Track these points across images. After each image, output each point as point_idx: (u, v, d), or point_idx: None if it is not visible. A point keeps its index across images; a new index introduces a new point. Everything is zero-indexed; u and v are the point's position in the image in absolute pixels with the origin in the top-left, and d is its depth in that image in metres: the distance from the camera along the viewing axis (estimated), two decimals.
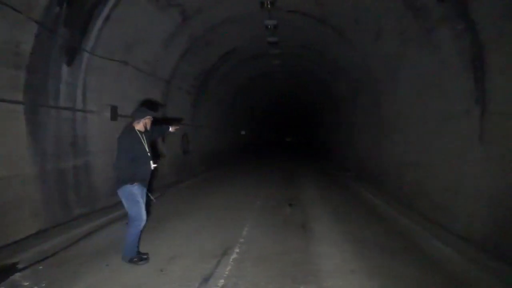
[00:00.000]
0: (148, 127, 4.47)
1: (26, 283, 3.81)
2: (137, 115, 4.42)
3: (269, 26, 10.62)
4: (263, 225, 6.15)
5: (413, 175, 7.84)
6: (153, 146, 4.67)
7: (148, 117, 4.42)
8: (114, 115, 7.57)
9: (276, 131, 45.93)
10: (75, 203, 6.32)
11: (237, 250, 4.82)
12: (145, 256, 4.46)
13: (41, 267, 4.24)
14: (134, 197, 4.22)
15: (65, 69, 6.08)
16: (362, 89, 12.15)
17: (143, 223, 4.33)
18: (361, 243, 5.17)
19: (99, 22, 6.50)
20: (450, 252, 4.81)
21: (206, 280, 3.87)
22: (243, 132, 25.11)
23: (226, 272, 4.06)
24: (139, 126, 4.38)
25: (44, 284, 3.80)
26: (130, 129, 4.39)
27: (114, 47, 7.38)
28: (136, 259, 4.34)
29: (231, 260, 4.45)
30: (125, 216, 6.64)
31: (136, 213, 4.26)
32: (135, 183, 4.20)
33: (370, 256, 4.65)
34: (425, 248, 5.07)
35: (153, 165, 4.42)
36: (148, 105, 5.07)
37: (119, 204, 7.26)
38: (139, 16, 7.57)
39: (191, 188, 10.47)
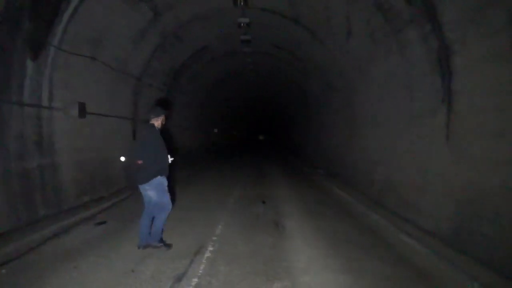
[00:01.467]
0: (164, 123, 4.88)
1: None
2: (155, 113, 4.77)
3: (242, 24, 10.59)
4: (237, 223, 6.13)
5: (383, 172, 8.03)
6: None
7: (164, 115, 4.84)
8: (82, 112, 7.33)
9: (249, 129, 46.03)
10: (41, 203, 6.06)
11: (210, 248, 4.77)
12: (169, 243, 4.85)
13: (4, 271, 4.04)
14: (164, 186, 4.70)
15: (29, 64, 5.82)
16: (333, 88, 12.34)
17: (170, 209, 4.85)
18: (333, 239, 5.26)
19: (66, 16, 6.25)
20: (419, 247, 4.96)
21: (179, 279, 3.80)
22: (215, 130, 24.98)
23: (200, 271, 4.01)
24: (157, 123, 4.76)
25: None
26: (151, 126, 4.72)
27: (82, 42, 7.15)
28: (161, 244, 4.76)
29: (204, 259, 4.40)
30: (94, 216, 6.51)
31: (167, 200, 4.76)
32: (164, 175, 4.69)
33: (342, 252, 4.72)
34: (395, 244, 5.21)
35: (170, 159, 4.81)
36: (163, 104, 5.41)
37: (88, 204, 7.15)
38: (109, 10, 7.36)
39: None
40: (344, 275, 3.99)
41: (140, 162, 4.53)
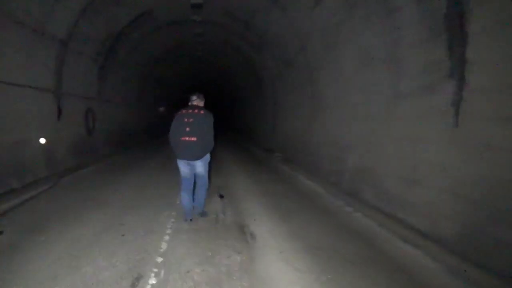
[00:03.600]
0: None
1: None
2: (200, 96, 5.24)
3: None
4: (189, 230, 4.62)
5: (356, 159, 6.97)
6: None
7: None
8: None
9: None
10: None
11: (152, 280, 3.21)
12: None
13: None
14: (208, 161, 5.07)
15: None
16: (292, 65, 11.08)
17: None
18: (318, 253, 3.95)
19: None
20: (424, 259, 3.89)
21: None
22: (161, 109, 22.97)
23: None
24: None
25: None
26: (201, 107, 5.08)
27: None
28: (207, 212, 5.37)
29: None
30: None
31: (208, 175, 5.12)
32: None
33: (339, 275, 3.44)
34: (394, 255, 4.02)
35: None
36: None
37: None
38: None
39: (93, 176, 8.45)
40: None
41: (193, 139, 4.66)
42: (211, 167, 5.57)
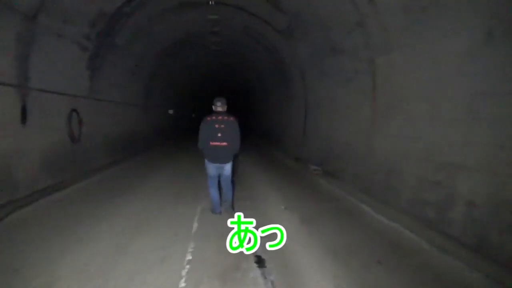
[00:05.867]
0: None
1: None
2: (223, 102, 5.21)
3: None
4: None
5: (477, 188, 4.25)
6: None
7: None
8: None
9: (212, 111, 41.13)
10: None
11: None
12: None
13: None
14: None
15: None
16: (339, 50, 8.36)
17: None
18: None
19: None
20: None
21: None
22: (171, 111, 20.46)
23: None
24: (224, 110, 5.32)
25: None
26: (228, 112, 5.20)
27: None
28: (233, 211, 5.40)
29: None
30: None
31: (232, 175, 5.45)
32: None
33: None
34: None
35: None
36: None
37: None
38: None
39: (64, 204, 5.77)
40: None
41: (225, 144, 4.92)
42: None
